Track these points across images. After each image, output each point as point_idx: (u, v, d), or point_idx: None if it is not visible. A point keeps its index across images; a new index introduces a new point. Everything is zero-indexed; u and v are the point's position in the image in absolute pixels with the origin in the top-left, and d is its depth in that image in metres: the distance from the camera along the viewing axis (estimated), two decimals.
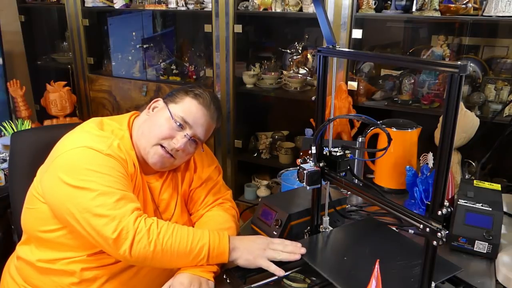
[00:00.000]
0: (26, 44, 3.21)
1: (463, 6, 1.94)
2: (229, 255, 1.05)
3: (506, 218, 1.30)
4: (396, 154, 1.50)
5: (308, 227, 1.17)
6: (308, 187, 1.06)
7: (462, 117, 1.53)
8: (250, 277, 1.04)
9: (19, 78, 2.70)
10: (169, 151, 1.15)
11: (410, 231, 1.25)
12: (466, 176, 1.68)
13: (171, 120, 1.15)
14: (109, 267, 1.10)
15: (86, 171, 1.02)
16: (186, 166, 1.28)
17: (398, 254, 1.03)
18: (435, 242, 0.80)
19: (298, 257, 1.04)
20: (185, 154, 1.19)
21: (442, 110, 1.26)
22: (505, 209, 1.32)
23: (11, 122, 2.31)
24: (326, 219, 1.15)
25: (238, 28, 2.37)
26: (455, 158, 1.62)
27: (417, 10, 2.04)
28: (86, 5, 2.82)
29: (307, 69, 2.51)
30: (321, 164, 1.06)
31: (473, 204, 1.19)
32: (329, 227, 1.16)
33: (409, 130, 1.50)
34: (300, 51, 2.50)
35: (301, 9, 2.28)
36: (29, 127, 2.22)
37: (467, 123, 1.54)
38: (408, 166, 1.41)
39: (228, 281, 1.04)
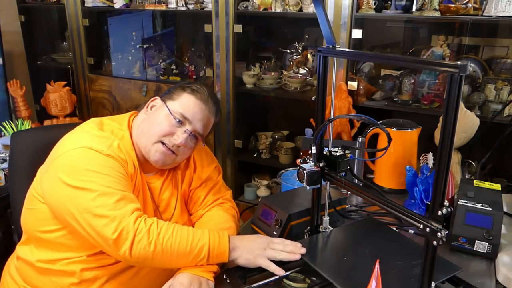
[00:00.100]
0: (26, 44, 3.21)
1: (463, 6, 1.94)
2: (229, 255, 1.05)
3: (506, 218, 1.30)
4: (396, 154, 1.50)
5: (308, 227, 1.17)
6: (308, 187, 1.06)
7: (462, 117, 1.53)
8: (250, 277, 1.04)
9: (19, 78, 2.70)
10: (170, 148, 1.15)
11: (410, 231, 1.25)
12: (466, 176, 1.68)
13: (170, 117, 1.15)
14: (109, 268, 1.10)
15: (86, 172, 1.02)
16: (186, 165, 1.28)
17: (398, 254, 1.03)
18: (435, 242, 0.80)
19: (298, 257, 1.04)
20: (186, 149, 1.19)
21: (442, 110, 1.26)
22: (505, 209, 1.32)
23: (11, 122, 2.31)
24: (326, 219, 1.15)
25: (238, 28, 2.37)
26: (455, 158, 1.62)
27: (417, 10, 2.04)
28: (86, 5, 2.82)
29: (307, 69, 2.51)
30: (321, 164, 1.06)
31: (473, 204, 1.19)
32: (329, 227, 1.16)
33: (409, 130, 1.50)
34: (300, 51, 2.50)
35: (301, 9, 2.28)
36: (29, 127, 2.22)
37: (467, 123, 1.54)
38: (408, 166, 1.41)
39: (228, 281, 1.04)
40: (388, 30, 2.42)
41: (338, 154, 1.05)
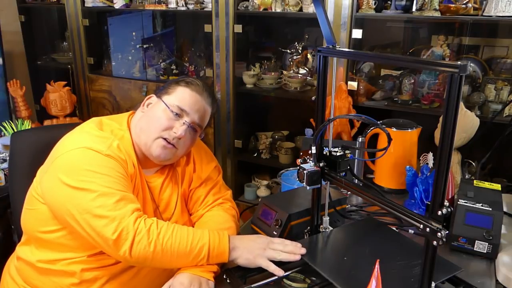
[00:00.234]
0: (26, 44, 3.21)
1: (463, 6, 1.94)
2: (229, 255, 1.05)
3: (506, 218, 1.30)
4: (396, 154, 1.50)
5: (308, 227, 1.17)
6: (308, 187, 1.06)
7: (462, 117, 1.53)
8: (250, 277, 1.04)
9: (19, 78, 2.70)
10: (170, 142, 1.15)
11: (410, 231, 1.25)
12: (466, 176, 1.67)
13: (167, 111, 1.16)
14: (109, 268, 1.10)
15: (86, 172, 1.02)
16: (186, 162, 1.28)
17: (398, 254, 1.03)
18: (435, 242, 0.80)
19: (298, 257, 1.04)
20: (187, 142, 1.19)
21: (442, 110, 1.26)
22: (505, 209, 1.32)
23: (11, 122, 2.31)
24: (326, 219, 1.15)
25: (238, 28, 2.37)
26: (455, 158, 1.62)
27: (417, 10, 2.04)
28: (86, 5, 2.82)
29: (307, 69, 2.51)
30: (321, 164, 1.06)
31: (473, 204, 1.19)
32: (329, 227, 1.16)
33: (409, 130, 1.50)
34: (300, 51, 2.50)
35: (301, 9, 2.28)
36: (29, 127, 2.22)
37: (467, 123, 1.54)
38: (408, 166, 1.41)
39: (228, 281, 1.04)
40: (388, 30, 2.42)
41: (338, 154, 1.05)
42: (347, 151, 1.06)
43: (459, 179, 1.53)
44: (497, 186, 1.32)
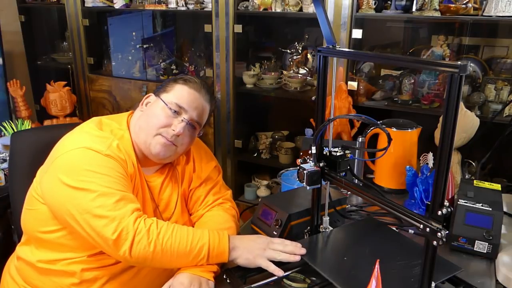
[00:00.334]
0: (26, 44, 3.21)
1: (463, 6, 1.94)
2: (229, 255, 1.05)
3: (506, 218, 1.30)
4: (396, 154, 1.50)
5: (308, 227, 1.17)
6: (308, 187, 1.06)
7: (462, 117, 1.53)
8: (250, 277, 1.04)
9: (19, 78, 2.70)
10: (169, 139, 1.15)
11: (410, 231, 1.25)
12: (466, 176, 1.67)
13: (166, 108, 1.16)
14: (110, 268, 1.10)
15: (85, 172, 1.02)
16: (186, 160, 1.28)
17: (398, 254, 1.03)
18: (435, 242, 0.80)
19: (298, 258, 1.04)
20: (186, 139, 1.19)
21: (442, 110, 1.26)
22: (505, 209, 1.32)
23: (11, 122, 2.31)
24: (326, 219, 1.15)
25: (238, 28, 2.37)
26: (455, 158, 1.62)
27: (417, 10, 2.04)
28: (86, 5, 2.82)
29: (307, 69, 2.51)
30: (321, 164, 1.06)
31: (473, 204, 1.19)
32: (329, 227, 1.16)
33: (409, 130, 1.50)
34: (300, 51, 2.50)
35: (301, 9, 2.28)
36: (29, 127, 2.22)
37: (467, 123, 1.54)
38: (408, 166, 1.41)
39: (228, 281, 1.04)
40: (388, 30, 2.42)
41: (338, 154, 1.05)
42: (347, 151, 1.06)
43: (459, 179, 1.53)
44: (497, 186, 1.32)
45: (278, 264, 1.03)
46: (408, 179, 1.41)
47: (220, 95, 2.50)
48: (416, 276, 0.90)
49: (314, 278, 1.03)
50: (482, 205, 1.18)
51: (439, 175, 0.78)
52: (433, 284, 0.85)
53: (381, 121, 1.50)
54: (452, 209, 0.80)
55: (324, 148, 1.07)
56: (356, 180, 1.14)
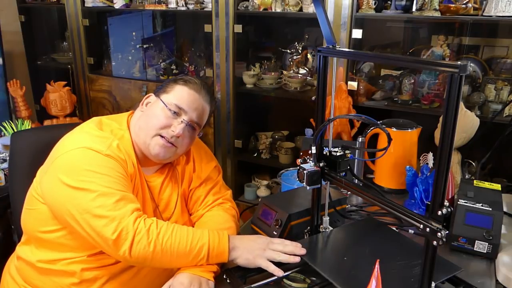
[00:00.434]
0: (26, 44, 3.21)
1: (463, 6, 1.94)
2: (229, 255, 1.05)
3: (506, 218, 1.30)
4: (396, 154, 1.50)
5: (308, 227, 1.17)
6: (308, 187, 1.06)
7: (462, 117, 1.53)
8: (250, 277, 1.04)
9: (19, 78, 2.70)
10: (169, 140, 1.15)
11: (410, 231, 1.25)
12: (466, 176, 1.68)
13: (165, 109, 1.16)
14: (109, 268, 1.10)
15: (85, 172, 1.02)
16: (186, 160, 1.28)
17: (398, 254, 1.03)
18: (435, 242, 0.80)
19: (298, 259, 1.03)
20: (185, 140, 1.19)
21: (442, 110, 1.26)
22: (505, 209, 1.32)
23: (11, 122, 2.31)
24: (326, 219, 1.15)
25: (238, 28, 2.37)
26: (455, 158, 1.62)
27: (417, 10, 2.04)
28: (86, 5, 2.82)
29: (307, 69, 2.51)
30: (321, 164, 1.06)
31: (473, 204, 1.19)
32: (329, 227, 1.16)
33: (409, 130, 1.50)
34: (300, 51, 2.50)
35: (301, 9, 2.28)
36: (29, 127, 2.22)
37: (467, 123, 1.54)
38: (408, 166, 1.41)
39: (228, 281, 1.04)
40: (388, 30, 2.42)
41: (338, 154, 1.05)
42: (347, 151, 1.06)
43: (459, 179, 1.53)
44: (497, 186, 1.32)
45: (278, 264, 1.03)
46: (408, 179, 1.41)
47: (220, 95, 2.50)
48: (416, 276, 0.90)
49: (314, 278, 1.03)
50: (482, 205, 1.18)
51: (439, 175, 0.78)
52: (433, 284, 0.85)
53: (381, 121, 1.50)
54: (452, 209, 0.80)
55: (324, 148, 1.07)
56: (356, 180, 1.14)
